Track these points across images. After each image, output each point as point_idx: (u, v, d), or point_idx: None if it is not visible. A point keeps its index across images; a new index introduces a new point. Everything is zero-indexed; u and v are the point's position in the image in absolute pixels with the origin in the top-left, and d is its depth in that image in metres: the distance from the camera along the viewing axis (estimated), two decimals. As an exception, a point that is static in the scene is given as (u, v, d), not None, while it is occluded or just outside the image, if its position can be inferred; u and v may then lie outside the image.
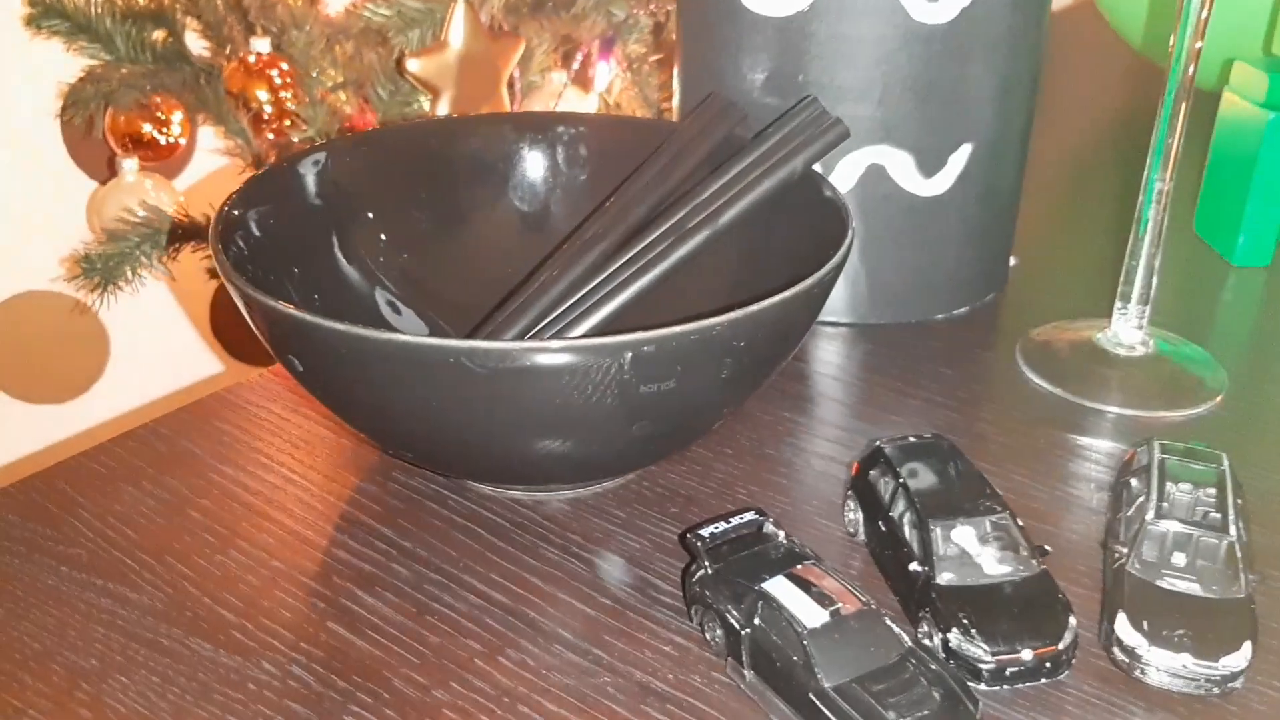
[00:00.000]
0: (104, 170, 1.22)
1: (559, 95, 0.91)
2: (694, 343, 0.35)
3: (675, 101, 0.57)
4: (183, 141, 1.17)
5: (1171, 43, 0.46)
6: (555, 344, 0.33)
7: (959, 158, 0.52)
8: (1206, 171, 0.64)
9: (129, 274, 0.86)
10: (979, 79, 0.51)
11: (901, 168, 0.52)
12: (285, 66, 1.01)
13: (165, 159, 1.16)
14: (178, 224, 0.88)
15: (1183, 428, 0.47)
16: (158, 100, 1.10)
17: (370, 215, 0.47)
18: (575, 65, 0.87)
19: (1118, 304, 0.51)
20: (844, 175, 0.52)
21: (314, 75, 0.98)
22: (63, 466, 0.44)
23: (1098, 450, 0.46)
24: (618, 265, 0.45)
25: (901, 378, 0.51)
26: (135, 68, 0.98)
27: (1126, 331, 0.51)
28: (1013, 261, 0.59)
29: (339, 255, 0.45)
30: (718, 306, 0.46)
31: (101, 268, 0.83)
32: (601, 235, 0.46)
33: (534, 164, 0.50)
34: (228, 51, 1.01)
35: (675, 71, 0.56)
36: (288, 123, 1.03)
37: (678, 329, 0.34)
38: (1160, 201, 0.49)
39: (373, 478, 0.43)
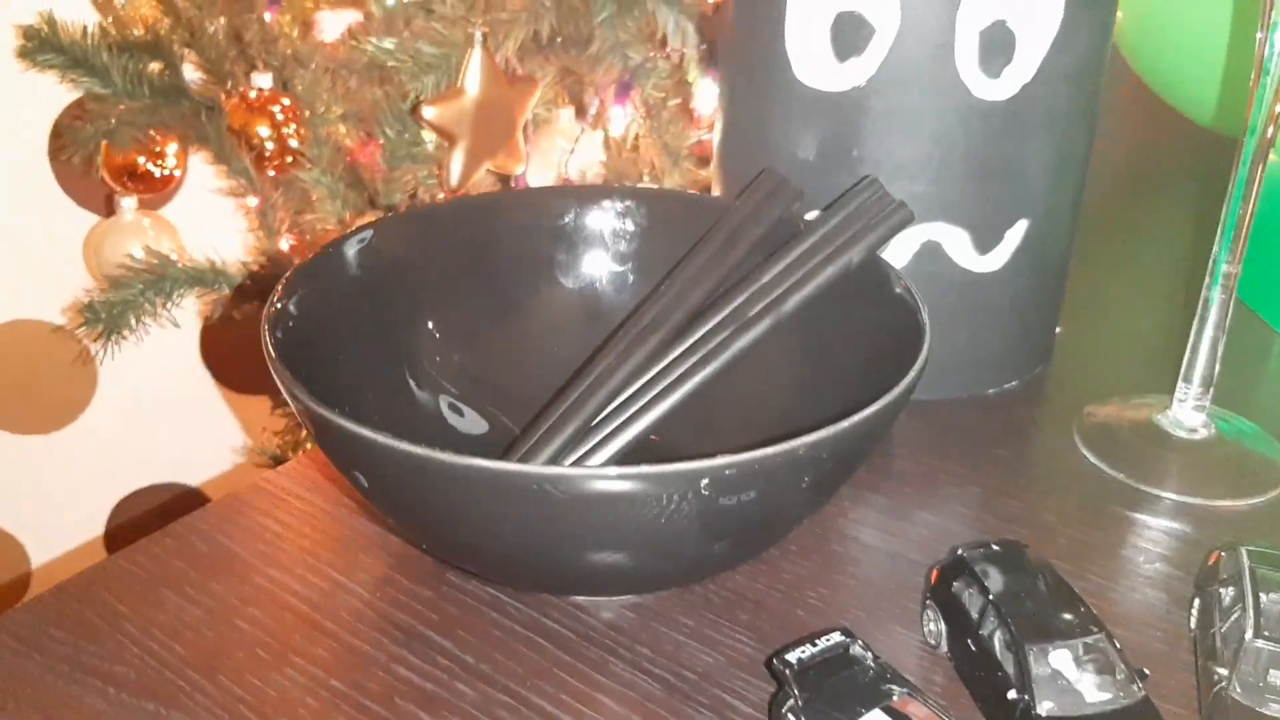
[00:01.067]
0: (98, 202, 1.20)
1: (575, 140, 0.90)
2: (777, 461, 0.33)
3: (713, 168, 0.55)
4: (178, 174, 1.15)
5: (1248, 111, 0.45)
6: (638, 470, 0.32)
7: (1015, 234, 0.51)
8: (1251, 233, 0.63)
9: (133, 322, 0.84)
10: (1037, 155, 0.50)
11: (957, 244, 0.50)
12: (287, 102, 0.99)
13: (160, 191, 1.14)
14: (185, 269, 0.86)
15: (1252, 517, 0.46)
16: (153, 134, 1.08)
17: (427, 320, 0.45)
18: (592, 109, 0.85)
19: (1180, 385, 0.50)
20: (898, 252, 0.50)
21: (319, 112, 0.96)
22: (101, 570, 0.42)
23: (1170, 544, 0.45)
24: (677, 354, 0.44)
25: (960, 460, 0.49)
26: (133, 103, 0.96)
27: (1188, 414, 0.50)
28: (1058, 330, 0.58)
29: (400, 365, 0.43)
30: (783, 402, 0.45)
31: (105, 316, 0.81)
32: (659, 321, 0.44)
33: (583, 241, 0.49)
34: (229, 86, 0.99)
35: (716, 140, 0.55)
36: (289, 159, 1.01)
37: (761, 453, 0.32)
38: (1228, 286, 0.47)
39: (426, 581, 0.42)
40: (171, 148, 1.12)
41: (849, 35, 0.47)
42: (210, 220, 1.03)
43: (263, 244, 0.94)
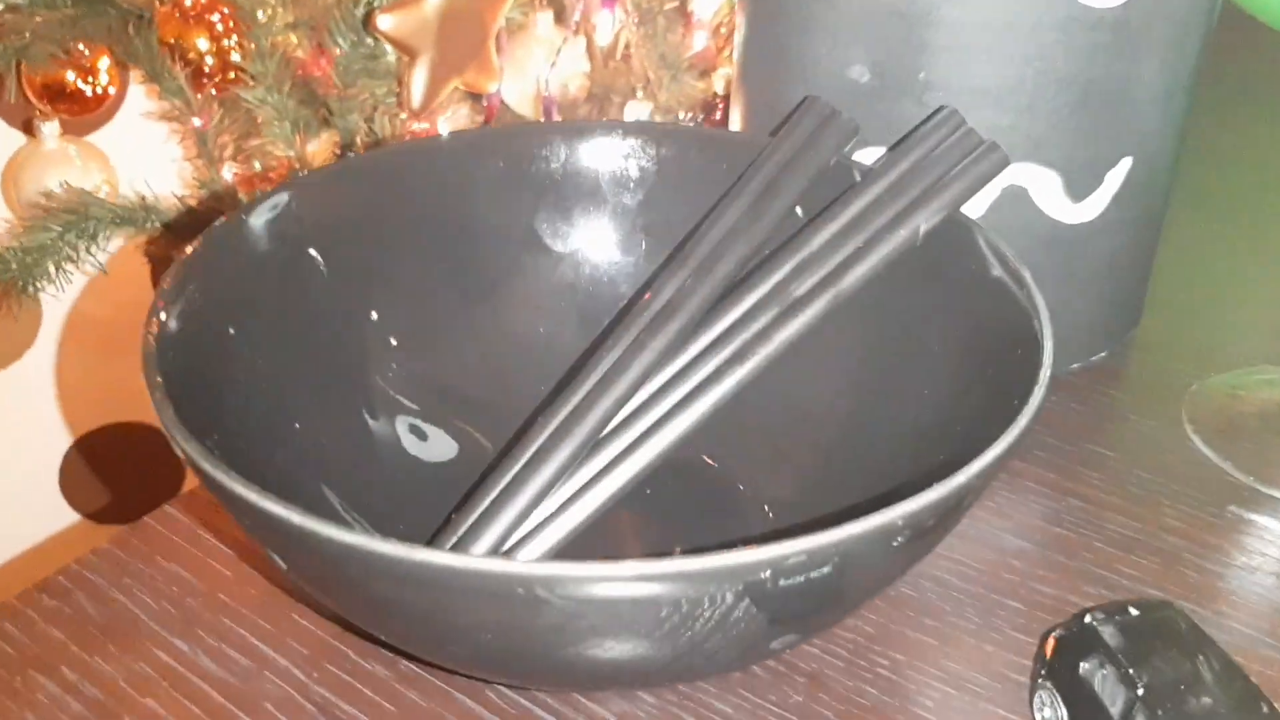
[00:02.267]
0: (17, 126, 1.07)
1: (557, 51, 0.78)
2: (866, 536, 0.23)
3: (732, 91, 0.44)
4: (112, 91, 1.03)
5: None
6: (669, 568, 0.22)
7: (1116, 175, 0.40)
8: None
9: (52, 271, 0.72)
10: (1147, 77, 0.39)
11: (1047, 189, 0.40)
12: (227, 10, 0.87)
13: (93, 112, 1.02)
14: (111, 207, 0.74)
15: None
16: (81, 48, 0.96)
17: (371, 314, 0.34)
18: (576, 14, 0.73)
19: (1319, 364, 0.40)
20: (973, 200, 0.40)
21: (261, 20, 0.84)
22: (-51, 649, 0.32)
23: (1331, 579, 0.35)
24: (703, 347, 0.33)
25: (1050, 463, 0.40)
26: (50, 14, 0.83)
27: (1329, 397, 0.40)
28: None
29: (339, 381, 0.33)
30: (844, 406, 0.35)
31: (17, 266, 0.70)
32: (678, 303, 0.34)
33: (574, 195, 0.38)
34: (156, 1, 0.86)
35: (736, 55, 0.44)
36: (232, 75, 0.89)
37: (845, 533, 0.23)
38: None
39: (379, 656, 0.32)
40: (104, 63, 1.00)
41: (918, -79, 0.36)
42: (148, 147, 0.91)
43: (203, 174, 0.83)
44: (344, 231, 0.33)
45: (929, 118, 0.37)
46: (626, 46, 0.72)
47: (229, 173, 0.84)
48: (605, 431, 0.32)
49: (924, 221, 0.34)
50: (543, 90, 0.87)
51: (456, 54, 0.69)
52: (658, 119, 0.74)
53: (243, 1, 0.79)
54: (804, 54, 0.40)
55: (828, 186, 0.36)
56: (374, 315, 0.34)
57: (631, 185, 0.38)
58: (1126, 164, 0.40)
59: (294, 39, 0.93)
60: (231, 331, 0.30)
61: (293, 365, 0.31)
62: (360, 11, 0.71)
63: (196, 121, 0.92)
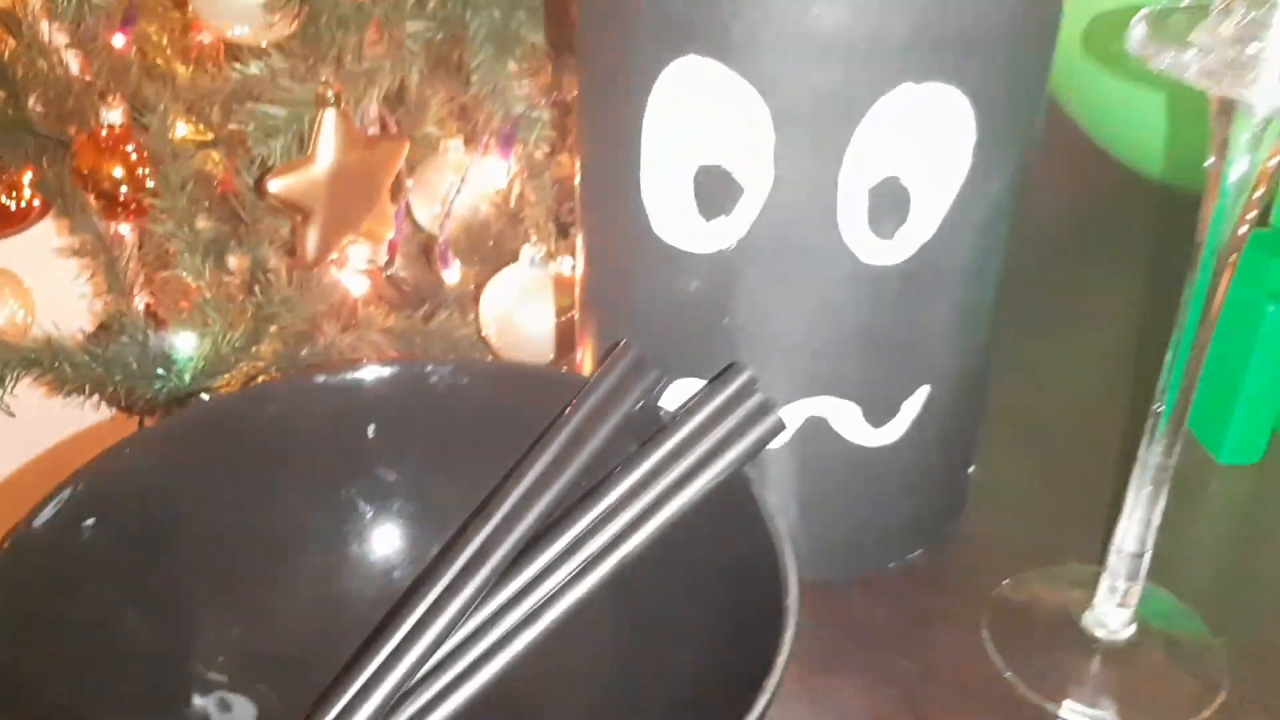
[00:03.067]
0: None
1: (462, 178, 0.81)
2: None
3: (577, 318, 0.47)
4: (36, 204, 1.05)
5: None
6: None
7: (913, 403, 0.43)
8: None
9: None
10: (939, 317, 0.42)
11: (846, 419, 0.43)
12: (142, 139, 0.89)
13: (16, 227, 1.04)
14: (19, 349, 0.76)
15: (1185, 755, 0.40)
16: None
17: (173, 589, 0.36)
18: (479, 152, 0.76)
19: (1104, 577, 0.43)
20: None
21: (169, 151, 0.85)
22: None
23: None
24: (497, 607, 0.36)
25: (850, 673, 0.42)
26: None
27: (1112, 612, 0.43)
28: (970, 469, 0.51)
29: (140, 667, 0.35)
30: (601, 677, 0.37)
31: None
32: (483, 556, 0.37)
33: (393, 440, 0.40)
34: (77, 124, 0.88)
35: (578, 288, 0.47)
36: (148, 200, 0.91)
37: None
38: (1168, 449, 0.40)
39: None
40: (27, 176, 1.02)
41: (714, 193, 0.39)
42: (63, 268, 0.93)
43: (113, 306, 0.85)
44: (136, 509, 0.35)
45: (722, 372, 0.40)
46: (520, 196, 0.75)
47: (140, 303, 0.86)
48: (401, 693, 0.35)
49: (704, 485, 0.37)
50: (448, 209, 0.90)
51: (350, 209, 0.72)
52: (552, 266, 0.77)
53: (149, 139, 0.81)
54: (627, 297, 0.43)
55: (632, 434, 0.39)
56: (174, 590, 0.36)
57: (454, 425, 0.41)
58: (924, 391, 0.43)
59: (215, 157, 0.96)
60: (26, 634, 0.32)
61: (86, 666, 0.33)
62: (253, 172, 0.74)
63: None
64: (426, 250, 0.96)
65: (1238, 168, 0.35)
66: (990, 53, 0.36)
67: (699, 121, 0.38)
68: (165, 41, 1.01)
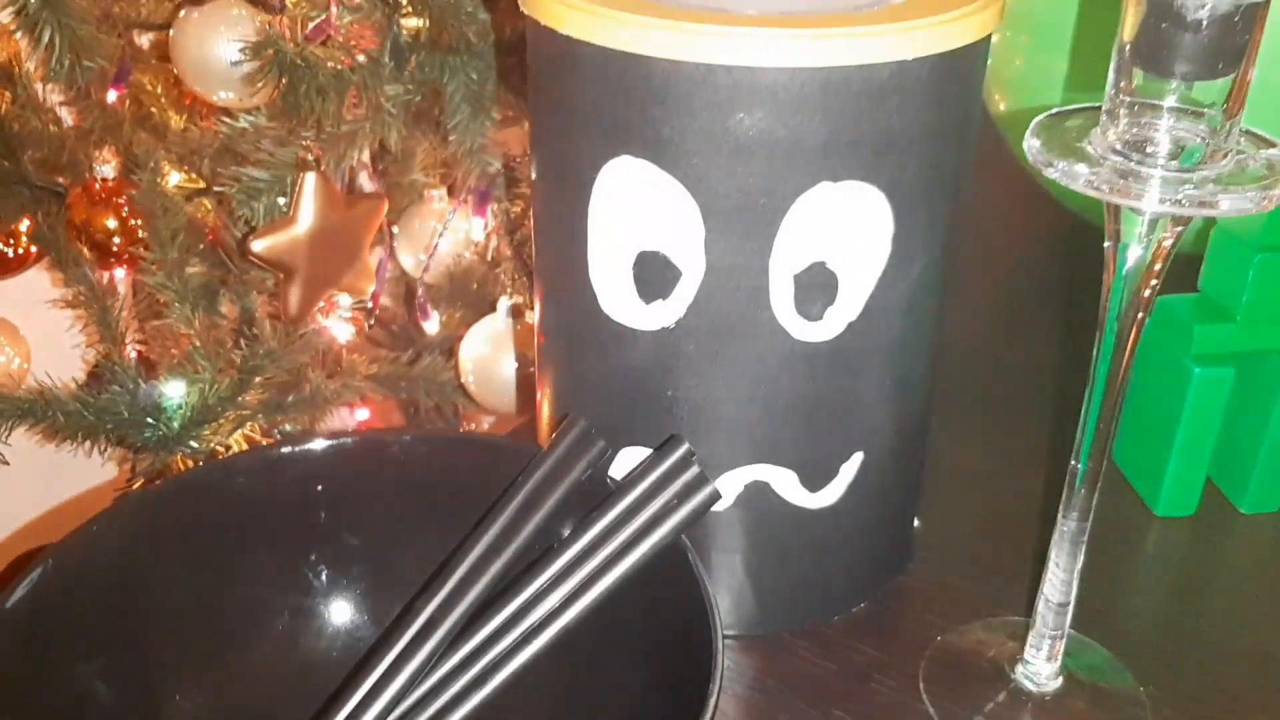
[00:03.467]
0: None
1: (444, 223, 0.84)
2: None
3: (538, 387, 0.50)
4: (34, 250, 1.08)
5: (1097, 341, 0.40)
6: None
7: (849, 468, 0.46)
8: (1125, 400, 0.58)
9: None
10: (869, 388, 0.45)
11: (785, 483, 0.45)
12: (135, 195, 0.92)
13: (15, 271, 1.07)
14: (13, 400, 0.79)
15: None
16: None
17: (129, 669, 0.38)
18: (460, 203, 0.79)
19: (1032, 634, 0.45)
20: (722, 491, 0.45)
21: (160, 214, 0.88)
22: None
23: None
24: (448, 671, 0.39)
25: (790, 730, 0.45)
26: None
27: (1041, 665, 0.45)
28: (915, 523, 0.53)
29: None
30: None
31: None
32: (434, 624, 0.39)
33: (352, 509, 0.43)
34: (71, 177, 0.91)
35: (537, 361, 0.49)
36: (140, 250, 0.94)
37: None
38: (1085, 503, 0.42)
39: None
40: (24, 224, 1.05)
41: (654, 276, 0.42)
42: (58, 317, 0.96)
43: (103, 355, 0.88)
44: (106, 584, 0.38)
45: (663, 444, 0.42)
46: (496, 250, 0.78)
47: (132, 350, 0.89)
48: (361, 750, 0.37)
49: (644, 553, 0.39)
50: (429, 254, 0.93)
51: (331, 267, 0.74)
52: (529, 315, 0.80)
53: (139, 195, 0.84)
54: (580, 369, 0.46)
55: (579, 503, 0.41)
56: (142, 660, 0.39)
57: (403, 498, 0.43)
58: (858, 457, 0.46)
59: (206, 205, 0.99)
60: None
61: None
62: (238, 232, 0.77)
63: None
64: (411, 295, 0.99)
65: (1132, 252, 0.37)
66: (904, 154, 0.39)
67: (637, 213, 0.41)
68: (160, 90, 1.04)
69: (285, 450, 0.42)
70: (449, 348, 0.95)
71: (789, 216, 0.39)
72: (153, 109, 1.02)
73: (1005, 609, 0.49)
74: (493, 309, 0.85)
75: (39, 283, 1.03)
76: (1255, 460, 0.55)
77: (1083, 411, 0.41)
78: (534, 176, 0.46)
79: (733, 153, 0.38)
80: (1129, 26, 0.33)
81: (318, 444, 0.42)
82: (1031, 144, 0.35)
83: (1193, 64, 0.33)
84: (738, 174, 0.38)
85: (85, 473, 0.95)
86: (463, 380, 0.85)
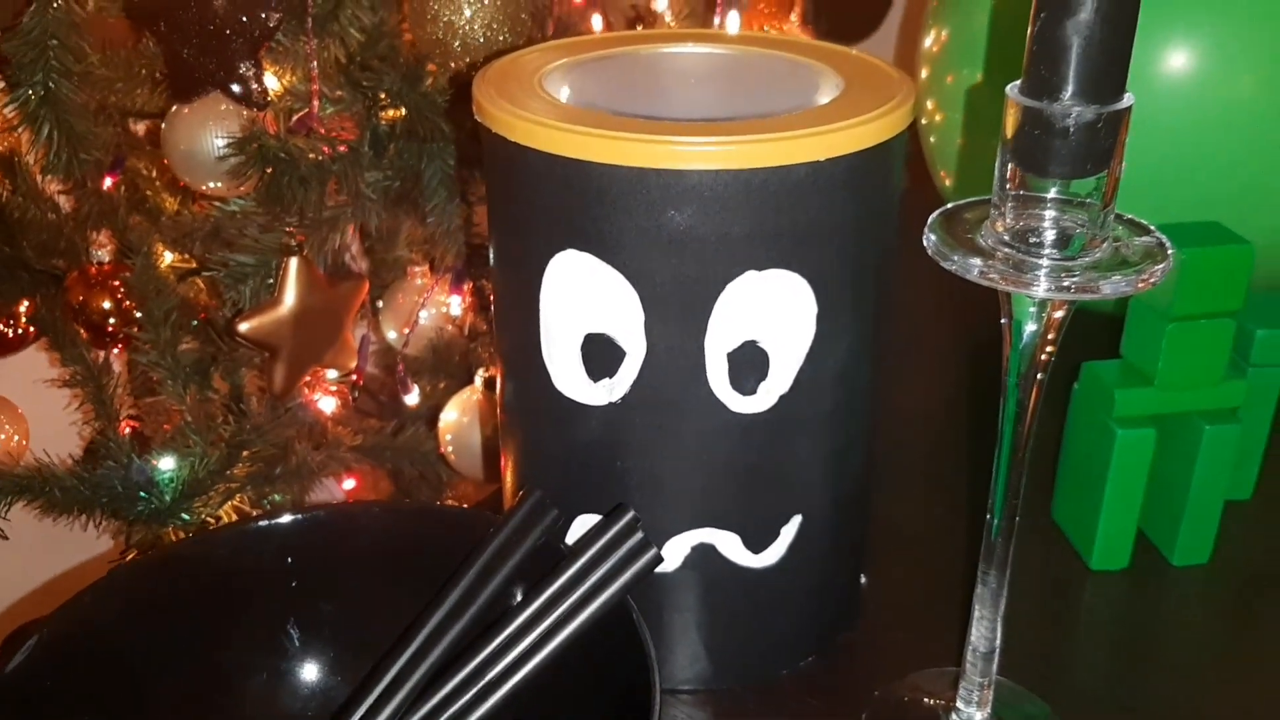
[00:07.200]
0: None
1: (424, 298, 0.87)
2: None
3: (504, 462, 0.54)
4: (33, 329, 1.11)
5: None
6: None
7: (789, 530, 0.49)
8: (1061, 459, 0.62)
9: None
10: (805, 454, 0.48)
11: (729, 545, 0.49)
12: (129, 278, 0.96)
13: (15, 350, 1.11)
14: (12, 477, 0.82)
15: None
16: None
17: None
18: (439, 280, 0.83)
19: (962, 685, 0.48)
20: (671, 552, 0.49)
21: (152, 296, 0.92)
22: None
23: None
24: (415, 725, 0.42)
25: (737, 778, 0.48)
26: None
27: (972, 712, 0.49)
28: (863, 580, 0.57)
29: None
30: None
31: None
32: (397, 685, 0.42)
33: (326, 577, 0.46)
34: (65, 265, 0.95)
35: (500, 439, 0.53)
36: (135, 330, 0.98)
37: None
38: (1002, 555, 0.45)
39: None
40: (24, 306, 1.09)
41: (600, 356, 0.45)
42: (55, 396, 0.99)
43: (98, 432, 0.91)
44: (96, 651, 0.41)
45: (611, 512, 0.46)
46: (474, 323, 0.82)
47: (126, 428, 0.92)
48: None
49: (592, 613, 0.42)
50: (412, 326, 0.97)
51: (315, 345, 0.78)
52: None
53: (133, 279, 0.88)
54: (536, 441, 0.50)
55: (534, 567, 0.45)
56: None
57: (373, 565, 0.47)
58: (797, 520, 0.49)
59: (199, 283, 1.03)
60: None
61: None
62: (224, 314, 0.81)
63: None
64: (393, 367, 1.03)
65: (1027, 328, 0.41)
66: (824, 243, 0.43)
67: (583, 300, 0.44)
68: (154, 174, 1.08)
69: (261, 524, 0.45)
70: (432, 418, 0.99)
71: (720, 301, 0.43)
72: (148, 192, 1.06)
73: (943, 660, 0.53)
74: (473, 380, 0.89)
75: (37, 362, 1.06)
76: (1182, 515, 0.58)
77: (994, 470, 0.45)
78: (492, 264, 0.50)
79: (666, 246, 0.42)
80: (1009, 130, 0.37)
81: (289, 517, 0.45)
82: (929, 239, 0.39)
83: (1065, 165, 0.37)
84: (672, 265, 0.42)
85: (82, 545, 0.98)
86: (443, 450, 0.89)
